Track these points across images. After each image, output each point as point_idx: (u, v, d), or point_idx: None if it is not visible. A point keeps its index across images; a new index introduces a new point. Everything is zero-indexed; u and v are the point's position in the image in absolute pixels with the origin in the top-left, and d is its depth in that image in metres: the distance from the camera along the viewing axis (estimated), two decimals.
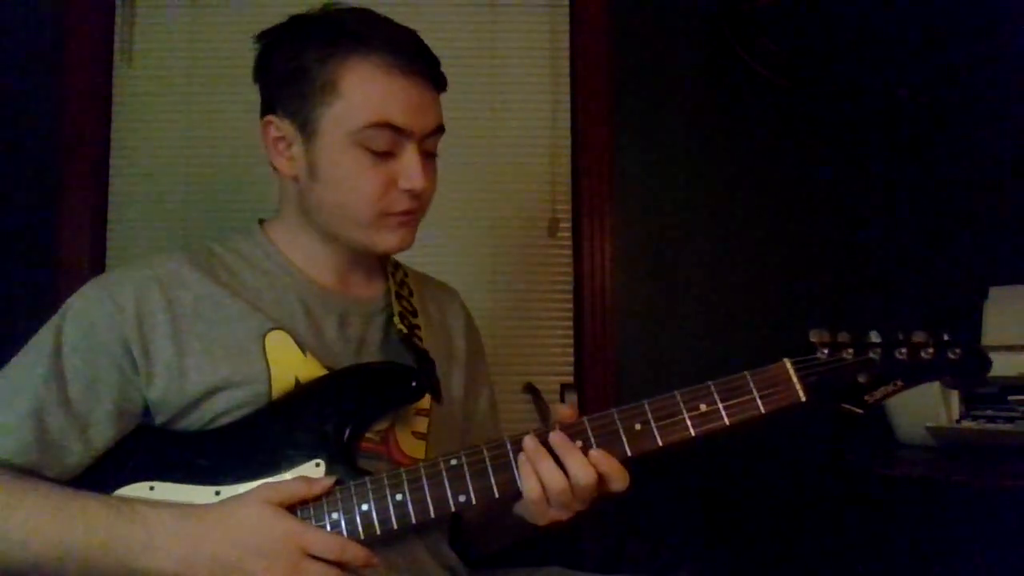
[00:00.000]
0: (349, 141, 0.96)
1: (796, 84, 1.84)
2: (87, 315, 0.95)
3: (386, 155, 0.97)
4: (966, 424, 1.36)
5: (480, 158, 1.87)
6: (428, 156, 1.02)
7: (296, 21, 1.00)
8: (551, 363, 1.85)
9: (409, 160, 0.97)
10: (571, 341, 1.86)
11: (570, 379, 1.84)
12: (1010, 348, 1.40)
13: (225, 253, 1.05)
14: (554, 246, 1.87)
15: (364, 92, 0.95)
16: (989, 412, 1.35)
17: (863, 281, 1.86)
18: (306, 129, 0.98)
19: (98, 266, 1.77)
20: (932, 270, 1.85)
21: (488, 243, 1.86)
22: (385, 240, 1.01)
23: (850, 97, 1.86)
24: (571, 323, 1.86)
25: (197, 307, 0.97)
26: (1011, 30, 1.83)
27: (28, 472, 0.88)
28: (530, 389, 1.81)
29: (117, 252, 1.81)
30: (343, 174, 0.97)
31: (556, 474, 0.87)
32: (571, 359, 1.85)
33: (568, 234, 1.87)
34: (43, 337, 0.94)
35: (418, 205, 1.01)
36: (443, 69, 1.02)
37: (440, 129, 1.02)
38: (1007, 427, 1.31)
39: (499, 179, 1.87)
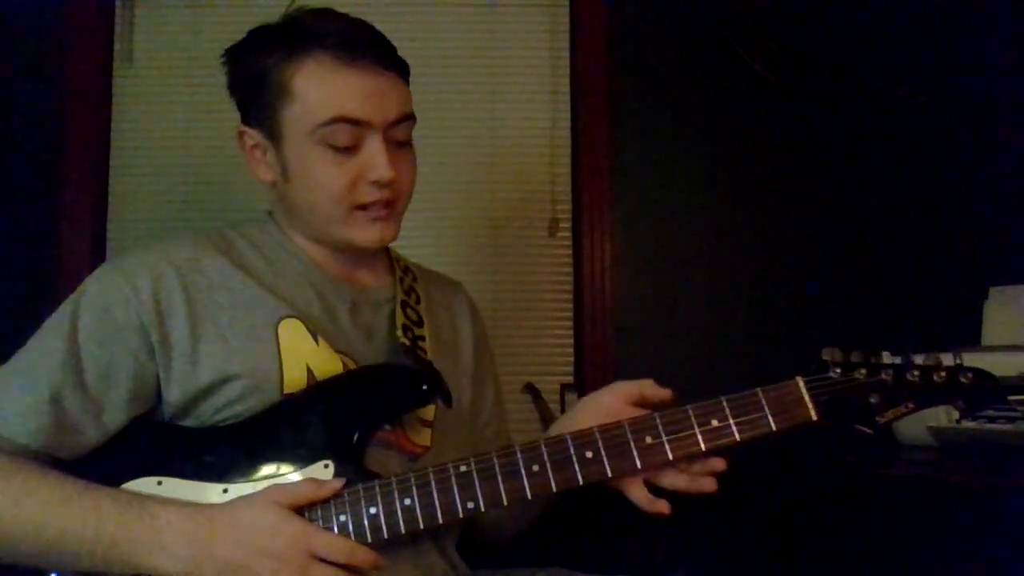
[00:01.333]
0: (311, 141, 0.97)
1: (796, 84, 1.84)
2: (103, 299, 0.95)
3: (351, 149, 0.97)
4: (966, 424, 1.36)
5: (480, 158, 1.87)
6: (400, 145, 1.01)
7: (255, 31, 1.02)
8: (551, 363, 1.85)
9: (373, 152, 0.97)
10: (571, 341, 1.86)
11: (570, 379, 1.84)
12: (1010, 348, 1.40)
13: (239, 239, 1.05)
14: (554, 246, 1.87)
15: (316, 90, 0.96)
16: (989, 412, 1.35)
17: (863, 281, 1.86)
18: (273, 134, 1.00)
19: (98, 266, 1.77)
20: (932, 270, 1.85)
21: (488, 243, 1.86)
22: (361, 235, 1.01)
23: (850, 97, 1.86)
24: (571, 323, 1.86)
25: (212, 293, 0.97)
26: (1011, 30, 1.83)
27: (42, 455, 0.89)
28: (530, 389, 1.81)
29: (117, 252, 1.81)
30: (311, 173, 0.98)
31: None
32: (571, 359, 1.85)
33: (568, 234, 1.87)
34: (59, 320, 0.94)
35: (392, 196, 1.00)
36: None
37: (407, 117, 1.01)
38: (1007, 427, 1.31)
39: (499, 179, 1.87)
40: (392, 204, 1.01)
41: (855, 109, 1.87)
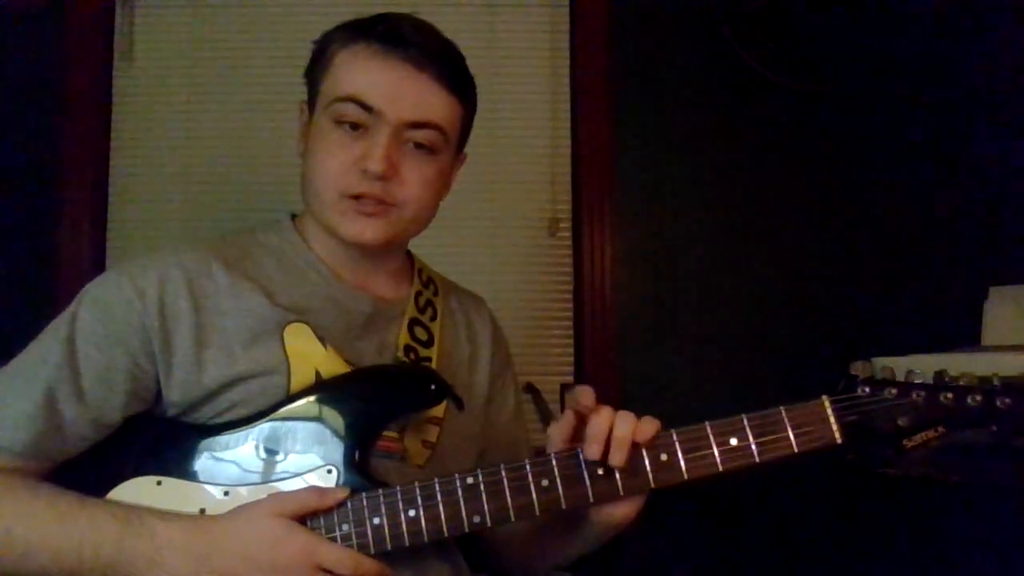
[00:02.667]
0: (326, 115, 0.98)
1: (795, 84, 1.84)
2: (104, 301, 0.93)
3: (357, 134, 0.96)
4: None
5: (480, 158, 1.86)
6: (419, 152, 0.99)
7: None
8: (551, 363, 1.85)
9: (373, 142, 0.95)
10: (571, 341, 1.86)
11: (570, 379, 1.84)
12: (1010, 348, 1.40)
13: (254, 246, 1.04)
14: (554, 246, 1.87)
15: (345, 68, 0.98)
16: None
17: (863, 280, 1.86)
18: (311, 105, 1.02)
19: (98, 266, 1.77)
20: (932, 270, 1.85)
21: (488, 243, 1.87)
22: (344, 225, 0.98)
23: (850, 97, 1.86)
24: (571, 323, 1.86)
25: (219, 299, 0.95)
26: (1011, 30, 1.83)
27: (34, 457, 0.87)
28: (530, 389, 1.81)
29: (117, 252, 1.81)
30: (317, 147, 0.99)
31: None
32: (571, 359, 1.86)
33: (568, 234, 1.87)
34: (59, 323, 0.92)
35: (383, 195, 0.97)
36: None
37: (428, 124, 0.98)
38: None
39: (499, 179, 1.88)
40: (385, 204, 0.98)
41: (855, 109, 1.87)
